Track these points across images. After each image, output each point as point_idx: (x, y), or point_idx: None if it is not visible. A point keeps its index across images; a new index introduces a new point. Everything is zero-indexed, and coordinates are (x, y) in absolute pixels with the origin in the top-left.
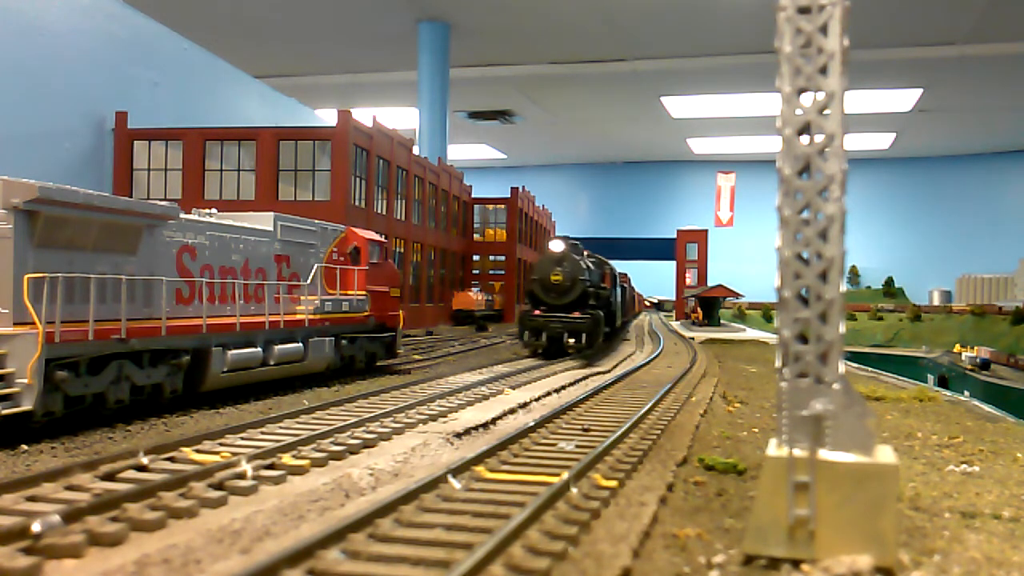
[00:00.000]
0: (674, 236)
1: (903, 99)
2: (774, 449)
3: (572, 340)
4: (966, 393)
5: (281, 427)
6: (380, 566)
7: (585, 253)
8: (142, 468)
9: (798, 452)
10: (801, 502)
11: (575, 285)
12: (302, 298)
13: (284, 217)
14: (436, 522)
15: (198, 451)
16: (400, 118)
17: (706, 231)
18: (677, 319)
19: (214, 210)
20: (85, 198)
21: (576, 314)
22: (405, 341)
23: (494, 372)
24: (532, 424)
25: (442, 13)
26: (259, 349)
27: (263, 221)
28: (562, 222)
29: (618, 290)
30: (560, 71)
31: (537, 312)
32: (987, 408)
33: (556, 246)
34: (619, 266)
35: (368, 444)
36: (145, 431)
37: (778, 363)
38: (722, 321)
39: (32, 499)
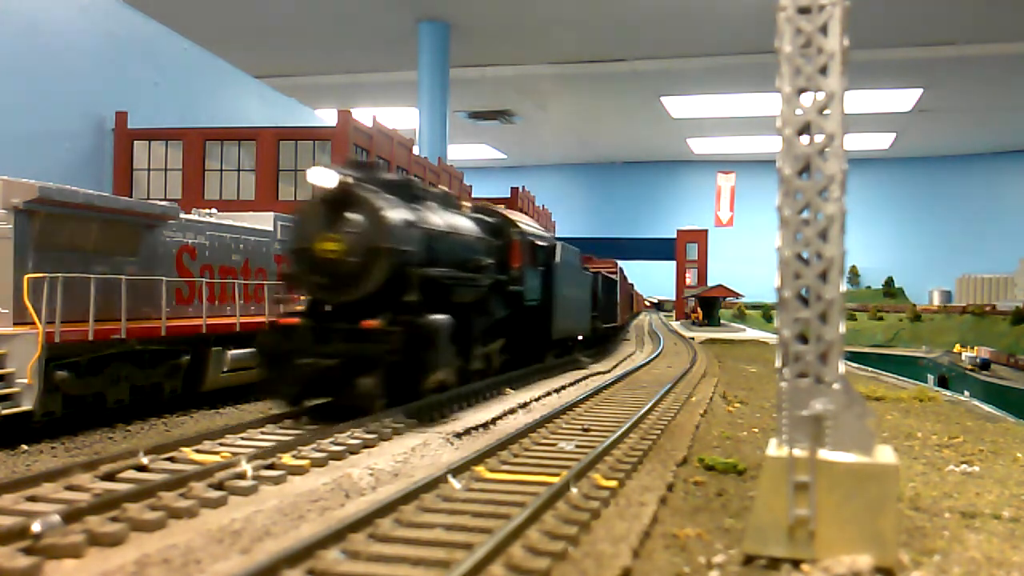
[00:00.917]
0: (674, 236)
1: (903, 99)
2: (774, 449)
3: (365, 381)
4: (966, 393)
5: (281, 427)
6: (380, 566)
7: (465, 204)
8: (142, 468)
9: (798, 452)
10: (801, 502)
11: (376, 261)
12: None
13: (284, 217)
14: (436, 522)
15: (198, 451)
16: (400, 118)
17: (706, 231)
18: (677, 319)
19: (214, 210)
20: (85, 198)
21: (373, 324)
22: None
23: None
24: (532, 423)
25: (442, 13)
26: None
27: (263, 221)
28: (562, 222)
29: (557, 279)
30: (560, 71)
31: (287, 322)
32: (987, 408)
33: (323, 178)
34: (620, 266)
35: (368, 444)
36: (145, 431)
37: (778, 363)
38: (722, 321)
39: (32, 499)
